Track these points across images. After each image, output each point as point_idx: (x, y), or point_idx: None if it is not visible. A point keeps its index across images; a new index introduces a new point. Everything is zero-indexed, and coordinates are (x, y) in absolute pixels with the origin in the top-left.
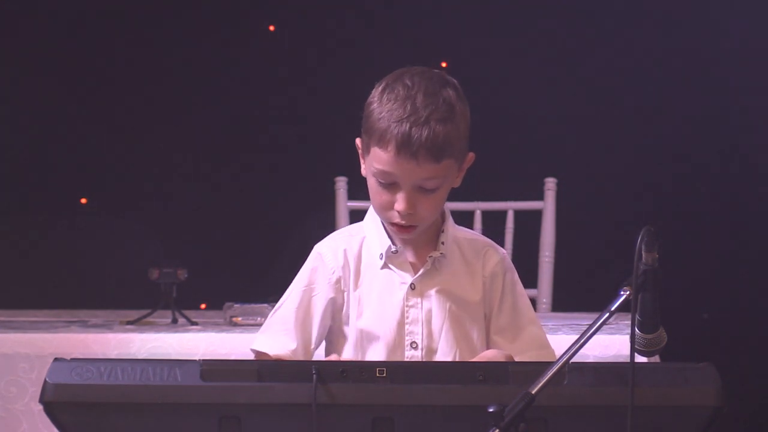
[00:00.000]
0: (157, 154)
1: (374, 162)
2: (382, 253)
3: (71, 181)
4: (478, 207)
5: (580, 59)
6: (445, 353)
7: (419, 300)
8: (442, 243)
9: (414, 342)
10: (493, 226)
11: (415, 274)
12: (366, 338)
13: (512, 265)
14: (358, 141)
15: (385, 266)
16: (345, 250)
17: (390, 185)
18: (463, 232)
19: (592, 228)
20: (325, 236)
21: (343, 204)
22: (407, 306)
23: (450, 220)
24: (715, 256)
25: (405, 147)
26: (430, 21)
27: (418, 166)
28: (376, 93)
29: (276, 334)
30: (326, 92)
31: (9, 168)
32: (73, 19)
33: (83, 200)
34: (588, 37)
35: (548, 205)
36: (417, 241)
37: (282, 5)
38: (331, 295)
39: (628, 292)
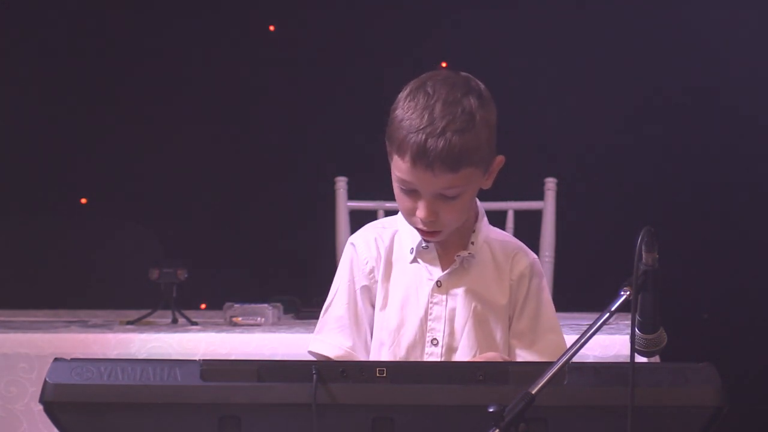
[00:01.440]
0: (156, 154)
1: (395, 169)
2: (412, 248)
3: (71, 181)
4: None
5: (580, 59)
6: (465, 353)
7: (444, 297)
8: (472, 243)
9: (435, 339)
10: (493, 226)
11: (444, 270)
12: (387, 330)
13: (542, 271)
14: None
15: (414, 260)
16: (376, 240)
17: (411, 192)
18: (496, 233)
19: (592, 228)
20: (325, 237)
21: (343, 204)
22: (431, 302)
23: (484, 220)
24: (715, 256)
25: (420, 158)
26: (430, 21)
27: (435, 177)
28: (400, 98)
29: (332, 333)
30: (327, 92)
31: (9, 168)
32: (73, 19)
33: (83, 200)
34: (588, 37)
35: (548, 205)
36: (449, 238)
37: (282, 5)
38: (365, 283)
39: (628, 293)
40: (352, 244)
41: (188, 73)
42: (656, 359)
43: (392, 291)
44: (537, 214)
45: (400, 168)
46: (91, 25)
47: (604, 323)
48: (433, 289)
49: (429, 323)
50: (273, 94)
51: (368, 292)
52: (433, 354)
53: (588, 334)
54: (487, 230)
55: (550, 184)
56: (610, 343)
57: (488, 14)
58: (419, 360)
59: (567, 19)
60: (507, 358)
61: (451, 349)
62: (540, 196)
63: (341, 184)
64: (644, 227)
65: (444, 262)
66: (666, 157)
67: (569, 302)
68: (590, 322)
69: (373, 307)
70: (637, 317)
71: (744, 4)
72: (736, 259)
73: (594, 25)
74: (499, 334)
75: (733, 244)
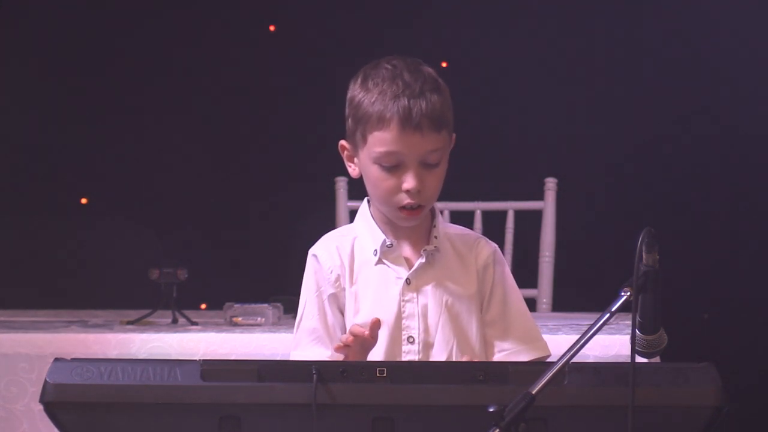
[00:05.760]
0: (156, 154)
1: (375, 147)
2: (376, 249)
3: (71, 181)
4: (478, 207)
5: (580, 59)
6: (441, 347)
7: (415, 295)
8: (435, 237)
9: (411, 336)
10: (493, 226)
11: (410, 269)
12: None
13: (503, 258)
14: (342, 143)
15: (379, 262)
16: (337, 248)
17: (394, 167)
18: (453, 228)
19: (592, 228)
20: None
21: (343, 204)
22: (403, 301)
23: (440, 217)
24: (715, 256)
25: (408, 120)
26: (430, 21)
27: (423, 137)
28: (355, 86)
29: (309, 346)
30: (326, 92)
31: (9, 168)
32: (73, 19)
33: (83, 200)
34: (588, 37)
35: (548, 205)
36: (410, 238)
37: (282, 5)
38: (332, 291)
39: (628, 293)
40: (314, 255)
41: (188, 73)
42: (656, 359)
43: (362, 296)
44: (537, 214)
45: (384, 141)
46: (91, 26)
47: (604, 324)
48: (403, 288)
49: (403, 321)
50: (273, 94)
51: (336, 300)
52: (410, 352)
53: (588, 335)
54: (444, 226)
55: (550, 184)
56: (610, 343)
57: (488, 14)
58: (397, 360)
59: (568, 19)
60: (483, 358)
61: (427, 345)
62: (540, 196)
63: (341, 184)
64: (645, 228)
65: (409, 261)
66: (666, 157)
67: (569, 302)
68: (590, 322)
69: (342, 314)
70: (638, 318)
71: (746, 6)
72: (736, 259)
73: (595, 25)
74: (474, 325)
75: (734, 244)
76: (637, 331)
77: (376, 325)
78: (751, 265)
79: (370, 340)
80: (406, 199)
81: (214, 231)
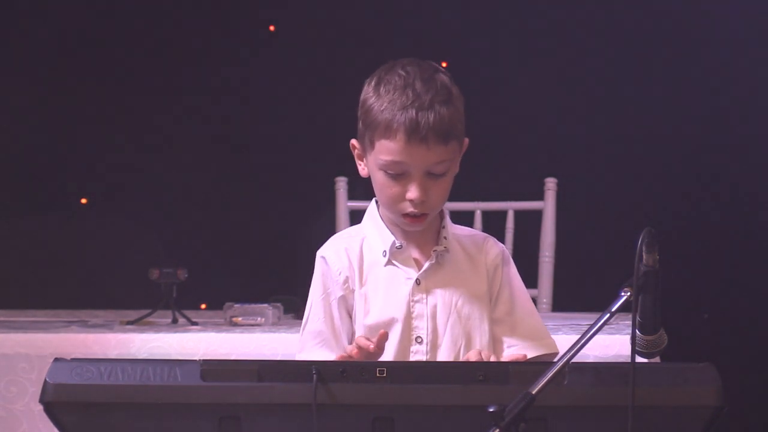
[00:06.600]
0: (156, 154)
1: (381, 155)
2: (385, 251)
3: (71, 181)
4: (478, 207)
5: (580, 59)
6: (449, 348)
7: (424, 295)
8: (444, 238)
9: (419, 337)
10: (493, 226)
11: (419, 270)
12: (373, 335)
13: (510, 258)
14: (353, 142)
15: (389, 263)
16: (346, 249)
17: (399, 176)
18: (461, 229)
19: (592, 228)
20: (325, 238)
21: (343, 204)
22: (413, 301)
23: (448, 218)
24: (715, 256)
25: (414, 133)
26: (430, 21)
27: (429, 150)
28: (369, 89)
29: (315, 349)
30: (326, 91)
31: (9, 168)
32: (73, 19)
33: (83, 200)
34: (588, 37)
35: (548, 205)
36: (419, 239)
37: (282, 5)
38: (341, 293)
39: (628, 293)
40: (323, 257)
41: (188, 73)
42: (656, 359)
43: (371, 297)
44: (537, 214)
45: (390, 150)
46: (92, 26)
47: (604, 324)
48: (413, 288)
49: (413, 322)
50: (273, 94)
51: (345, 302)
52: (418, 352)
53: (588, 335)
54: (452, 228)
55: (550, 184)
56: (611, 343)
57: (488, 14)
58: (405, 359)
59: (567, 19)
60: (490, 353)
61: (435, 345)
62: (540, 196)
63: (341, 184)
64: (645, 228)
65: (418, 262)
66: (666, 157)
67: (569, 302)
68: (590, 322)
69: (350, 316)
70: (638, 318)
71: (747, 6)
72: (736, 259)
73: (594, 25)
74: (485, 325)
75: (733, 244)
76: (637, 331)
77: (383, 338)
78: (751, 265)
79: (375, 352)
80: (409, 208)
81: (214, 231)
